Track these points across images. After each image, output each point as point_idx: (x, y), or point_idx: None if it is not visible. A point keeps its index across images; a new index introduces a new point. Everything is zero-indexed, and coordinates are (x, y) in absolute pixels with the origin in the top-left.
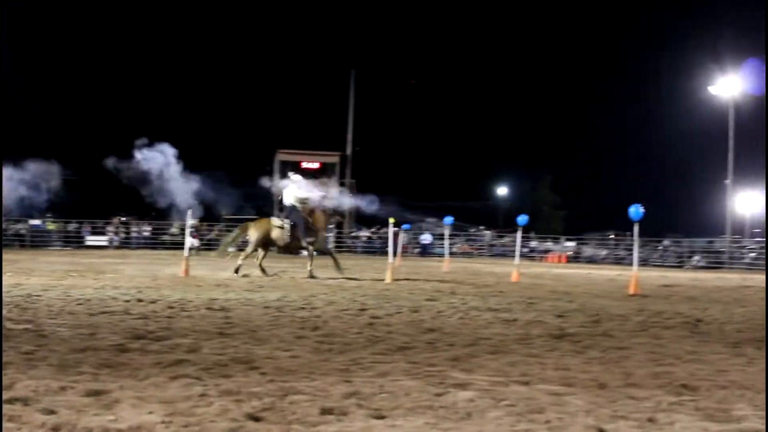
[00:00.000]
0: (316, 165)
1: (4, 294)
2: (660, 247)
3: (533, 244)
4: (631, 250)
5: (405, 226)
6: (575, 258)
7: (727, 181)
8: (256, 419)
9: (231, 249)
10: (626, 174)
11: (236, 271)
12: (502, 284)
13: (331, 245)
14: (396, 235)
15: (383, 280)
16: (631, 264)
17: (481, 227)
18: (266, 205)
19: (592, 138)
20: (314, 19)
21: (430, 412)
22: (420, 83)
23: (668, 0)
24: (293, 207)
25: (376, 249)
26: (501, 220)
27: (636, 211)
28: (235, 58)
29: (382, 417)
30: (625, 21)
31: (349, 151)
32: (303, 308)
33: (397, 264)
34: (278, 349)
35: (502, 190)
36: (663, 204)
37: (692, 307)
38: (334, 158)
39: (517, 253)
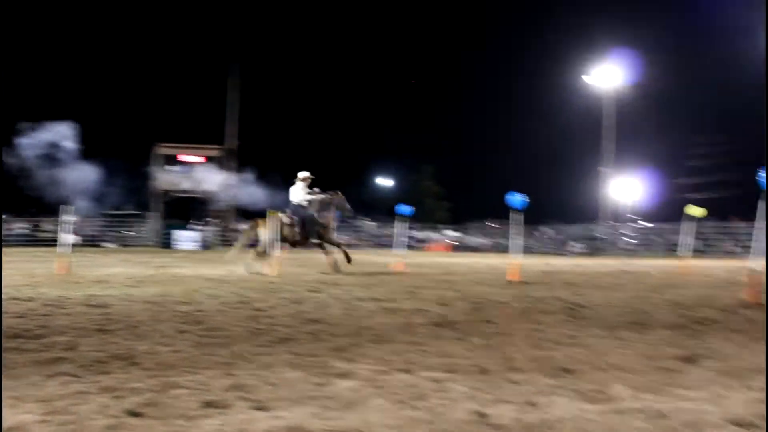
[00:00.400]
0: (198, 159)
1: None
2: (539, 234)
3: (416, 234)
4: (513, 237)
5: None
6: (459, 247)
7: (603, 168)
8: (136, 415)
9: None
10: (507, 163)
11: (252, 269)
12: (385, 274)
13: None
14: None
15: (267, 273)
16: (512, 251)
17: (364, 217)
18: (146, 199)
19: (472, 128)
20: (194, 12)
21: (314, 402)
22: (301, 76)
23: None
24: (299, 205)
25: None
26: (384, 211)
27: (517, 199)
28: (116, 52)
29: (265, 409)
30: (501, 9)
31: (231, 144)
32: (185, 302)
33: (282, 256)
34: (159, 344)
35: (385, 182)
36: (543, 192)
37: (571, 292)
38: (216, 152)
39: (400, 243)
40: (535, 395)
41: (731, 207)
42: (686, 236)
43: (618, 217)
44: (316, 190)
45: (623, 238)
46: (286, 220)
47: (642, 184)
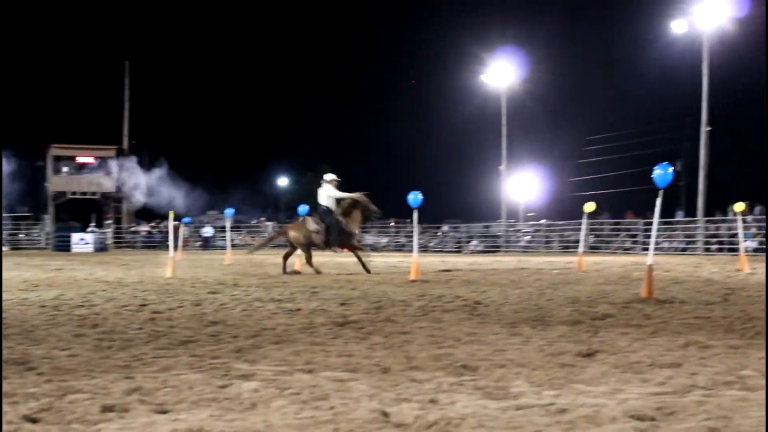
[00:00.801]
0: (90, 159)
1: None
2: (439, 233)
3: None
4: (411, 236)
5: (185, 220)
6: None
7: (501, 167)
8: (34, 420)
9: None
10: (405, 162)
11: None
12: (285, 274)
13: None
14: (176, 228)
15: (165, 274)
16: (411, 250)
17: (263, 218)
18: (41, 201)
19: (369, 128)
20: (86, 11)
21: (215, 405)
22: (196, 76)
23: None
24: (327, 209)
25: (157, 243)
26: (283, 211)
27: (415, 198)
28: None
29: (165, 411)
30: (397, 10)
31: (124, 143)
32: (81, 306)
33: (179, 258)
34: (56, 348)
35: (283, 181)
36: (441, 191)
37: (471, 290)
38: (109, 152)
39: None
40: (436, 393)
41: (627, 203)
42: (582, 233)
43: (516, 215)
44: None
45: (521, 235)
46: (312, 226)
47: (538, 182)
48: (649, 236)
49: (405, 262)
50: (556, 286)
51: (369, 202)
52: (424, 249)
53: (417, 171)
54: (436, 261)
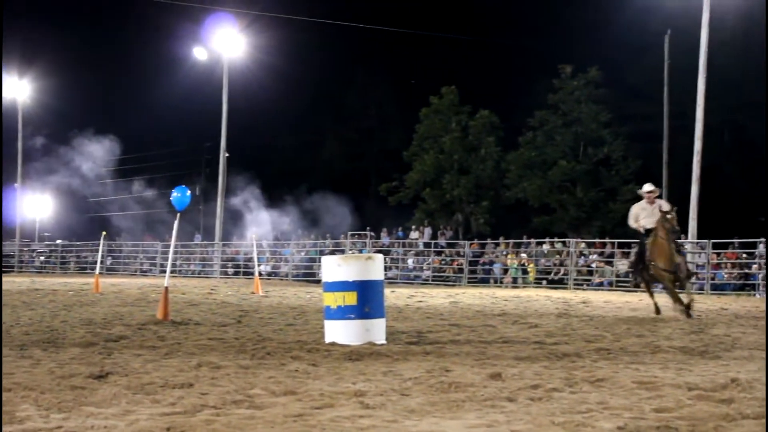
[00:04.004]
0: None
1: None
2: None
3: None
4: None
5: None
6: None
7: (17, 185)
8: None
9: None
10: None
11: None
12: None
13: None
14: None
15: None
16: None
17: None
18: None
19: None
20: None
21: None
22: None
23: None
24: (641, 232)
25: None
26: None
27: None
28: None
29: None
30: None
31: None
32: None
33: None
34: None
35: None
36: None
37: None
38: None
39: None
40: None
41: (148, 225)
42: (100, 254)
43: (31, 234)
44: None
45: (36, 255)
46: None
47: (56, 200)
48: (167, 258)
49: None
50: (70, 308)
51: (674, 222)
52: None
53: None
54: None
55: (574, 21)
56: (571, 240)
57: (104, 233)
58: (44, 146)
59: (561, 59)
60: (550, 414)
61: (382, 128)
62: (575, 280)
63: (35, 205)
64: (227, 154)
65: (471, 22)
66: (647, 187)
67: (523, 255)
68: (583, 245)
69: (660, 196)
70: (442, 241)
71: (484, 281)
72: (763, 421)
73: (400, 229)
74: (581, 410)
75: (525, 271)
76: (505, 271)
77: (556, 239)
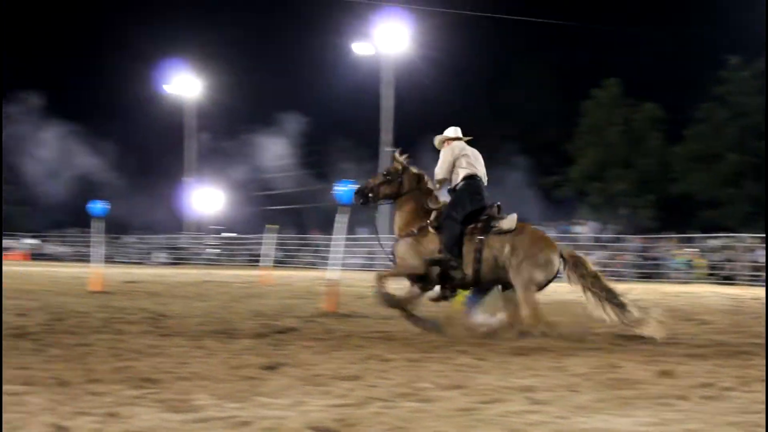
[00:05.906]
0: None
1: None
2: (124, 244)
3: None
4: (94, 246)
5: None
6: (38, 256)
7: (186, 179)
8: None
9: None
10: (89, 171)
11: None
12: None
13: None
14: None
15: None
16: (94, 261)
17: None
18: None
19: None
20: None
21: None
22: None
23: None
24: None
25: None
26: None
27: (97, 207)
28: None
29: None
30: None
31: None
32: None
33: None
34: None
35: None
36: (126, 200)
37: (155, 302)
38: None
39: None
40: (116, 406)
41: (312, 219)
42: (268, 247)
43: (201, 227)
44: None
45: (206, 248)
46: None
47: (224, 194)
48: (333, 252)
49: (87, 272)
50: (241, 300)
51: None
52: (107, 260)
53: (104, 180)
54: (118, 272)
55: (742, 10)
56: (740, 235)
57: (273, 226)
58: (211, 141)
59: (728, 50)
60: (724, 413)
61: (542, 122)
62: (746, 276)
63: (205, 199)
64: (394, 150)
65: (633, 13)
66: None
67: (693, 250)
68: (754, 240)
69: None
70: (607, 235)
71: (650, 276)
72: None
73: (565, 222)
74: (757, 410)
75: (692, 266)
76: (674, 266)
77: (725, 234)
